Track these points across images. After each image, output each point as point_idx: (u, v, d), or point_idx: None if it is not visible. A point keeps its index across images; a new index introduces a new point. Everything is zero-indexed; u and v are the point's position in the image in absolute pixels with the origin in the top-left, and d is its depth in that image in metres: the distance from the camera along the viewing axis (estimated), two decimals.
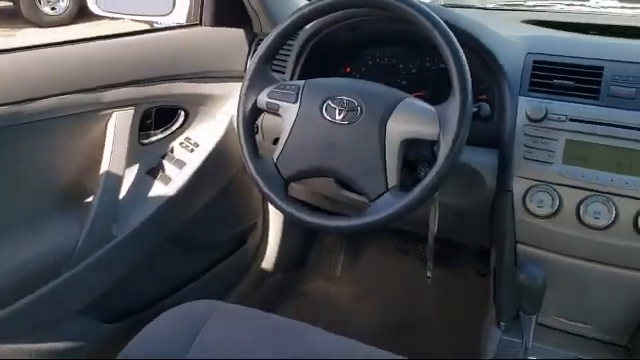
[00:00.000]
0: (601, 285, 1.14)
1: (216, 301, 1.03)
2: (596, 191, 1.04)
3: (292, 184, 1.06)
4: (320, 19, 1.11)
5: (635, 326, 1.16)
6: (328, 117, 1.00)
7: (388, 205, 0.95)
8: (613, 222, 1.03)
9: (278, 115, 1.05)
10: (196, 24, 1.44)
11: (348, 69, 1.36)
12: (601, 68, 1.08)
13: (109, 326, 1.38)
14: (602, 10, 1.44)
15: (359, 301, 1.92)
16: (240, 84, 1.08)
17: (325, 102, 1.01)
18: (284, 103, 1.04)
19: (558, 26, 1.29)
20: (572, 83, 1.08)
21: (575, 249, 1.11)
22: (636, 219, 1.02)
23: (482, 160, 1.15)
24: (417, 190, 0.93)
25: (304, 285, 1.99)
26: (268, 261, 1.89)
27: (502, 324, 1.25)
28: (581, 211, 1.05)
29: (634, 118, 1.03)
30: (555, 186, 1.07)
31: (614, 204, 1.03)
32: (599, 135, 1.04)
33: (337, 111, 0.99)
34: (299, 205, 1.03)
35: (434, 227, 1.15)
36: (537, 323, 1.04)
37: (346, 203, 1.34)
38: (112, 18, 1.60)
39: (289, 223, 1.85)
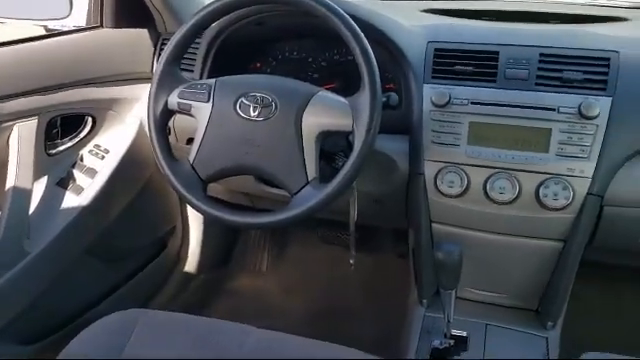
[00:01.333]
0: (511, 256, 1.22)
1: (140, 310, 1.01)
2: (500, 168, 1.11)
3: (211, 184, 1.05)
4: (225, 16, 1.11)
5: (543, 291, 1.25)
6: (243, 114, 1.00)
7: (310, 197, 0.97)
8: (517, 196, 1.11)
9: (191, 115, 1.04)
10: (97, 26, 1.39)
11: (258, 65, 1.36)
12: (496, 53, 1.14)
13: (29, 348, 1.31)
14: None
15: (287, 294, 1.93)
16: (148, 86, 1.06)
17: (239, 99, 1.01)
18: (196, 103, 1.03)
19: (455, 13, 1.36)
20: (471, 68, 1.14)
21: (485, 224, 1.18)
22: (537, 192, 1.09)
23: (395, 147, 1.20)
24: (336, 180, 0.96)
25: (230, 284, 1.98)
26: (191, 263, 1.86)
27: (424, 301, 1.31)
28: (488, 188, 1.12)
29: (529, 98, 1.10)
30: (463, 166, 1.13)
31: (517, 179, 1.10)
32: (499, 116, 1.11)
33: (251, 108, 1.00)
34: (220, 205, 1.03)
35: (354, 214, 1.19)
36: (456, 297, 1.09)
37: (268, 199, 1.35)
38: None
39: (209, 223, 1.83)
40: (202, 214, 1.05)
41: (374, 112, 0.95)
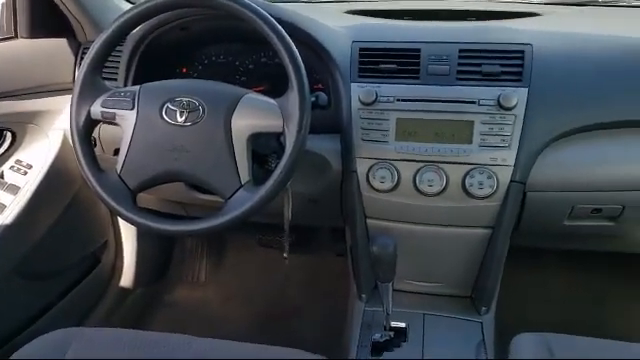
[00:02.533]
0: (443, 245, 1.26)
1: (75, 328, 0.97)
2: (427, 161, 1.15)
3: (140, 194, 1.03)
4: (147, 22, 1.09)
5: (475, 277, 1.30)
6: (169, 120, 0.99)
7: (244, 201, 0.96)
8: (445, 187, 1.15)
9: (115, 124, 1.02)
10: (11, 37, 1.33)
11: (184, 70, 1.34)
12: (418, 50, 1.18)
13: None
14: None
15: (228, 301, 1.92)
16: (70, 97, 1.02)
17: (164, 105, 0.99)
18: (120, 111, 1.01)
19: (377, 14, 1.39)
20: (395, 66, 1.17)
21: (417, 216, 1.21)
22: (464, 182, 1.14)
23: (326, 146, 1.22)
24: (270, 182, 0.96)
25: (169, 296, 1.94)
26: (126, 277, 1.81)
27: (363, 296, 1.33)
28: (417, 181, 1.15)
29: (451, 92, 1.14)
30: (393, 162, 1.16)
31: (444, 171, 1.14)
32: (424, 111, 1.15)
33: (178, 113, 0.98)
34: (151, 214, 1.01)
35: (289, 215, 1.19)
36: (394, 289, 1.12)
37: (201, 205, 1.33)
38: None
39: (143, 235, 1.78)
40: (133, 225, 1.02)
41: (304, 112, 0.96)
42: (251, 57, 1.31)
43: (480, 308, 1.28)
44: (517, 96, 1.11)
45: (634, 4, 1.43)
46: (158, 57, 1.27)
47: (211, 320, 1.84)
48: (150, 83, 1.04)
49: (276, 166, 0.98)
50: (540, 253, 1.77)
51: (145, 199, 1.33)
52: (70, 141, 1.03)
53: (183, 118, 0.98)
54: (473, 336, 1.23)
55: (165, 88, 1.03)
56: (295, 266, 1.86)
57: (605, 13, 1.42)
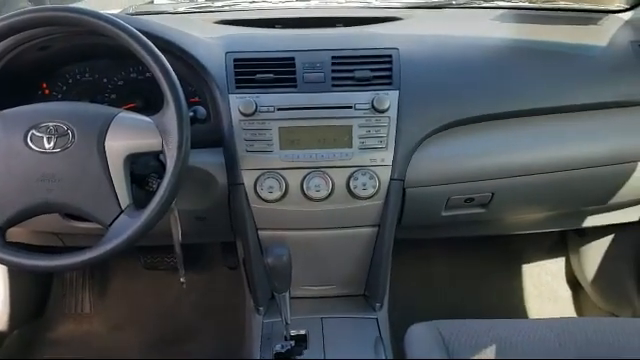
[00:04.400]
0: (334, 248, 1.29)
1: None
2: (313, 168, 1.17)
3: (11, 229, 0.94)
4: (1, 43, 1.00)
5: (366, 275, 1.34)
6: (36, 148, 0.92)
7: (127, 227, 0.92)
8: (331, 191, 1.17)
9: None
10: None
11: (47, 91, 1.25)
12: (292, 59, 1.19)
13: None
14: (282, 5, 1.59)
15: (118, 331, 1.82)
16: None
17: (29, 132, 0.92)
18: None
19: (249, 23, 1.39)
20: (272, 76, 1.17)
21: (308, 222, 1.23)
22: (348, 184, 1.17)
23: (210, 160, 1.19)
24: (153, 204, 0.92)
25: (52, 333, 1.80)
26: (1, 320, 1.65)
27: (261, 309, 1.32)
28: (305, 188, 1.16)
29: (328, 98, 1.17)
30: (279, 171, 1.16)
31: (329, 176, 1.17)
32: (305, 118, 1.16)
33: (45, 139, 0.92)
34: (23, 251, 0.93)
35: (178, 235, 1.15)
36: (291, 298, 1.12)
37: (81, 234, 1.25)
38: None
39: (15, 272, 1.63)
40: (3, 264, 0.93)
41: (183, 128, 0.93)
42: (120, 73, 1.25)
43: (374, 304, 1.33)
44: (389, 99, 1.16)
45: (484, 5, 1.55)
46: (15, 80, 1.16)
47: (101, 353, 1.73)
48: (10, 110, 0.96)
49: (158, 186, 0.94)
50: (423, 244, 1.86)
51: (14, 232, 1.22)
52: None
53: (51, 144, 0.91)
54: (370, 333, 1.27)
55: (27, 113, 0.95)
56: (187, 286, 1.80)
57: (460, 15, 1.53)
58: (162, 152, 0.94)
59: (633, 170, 1.31)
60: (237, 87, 1.17)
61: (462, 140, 1.23)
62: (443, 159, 1.23)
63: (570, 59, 1.30)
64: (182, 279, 1.22)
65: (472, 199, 1.30)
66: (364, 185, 1.16)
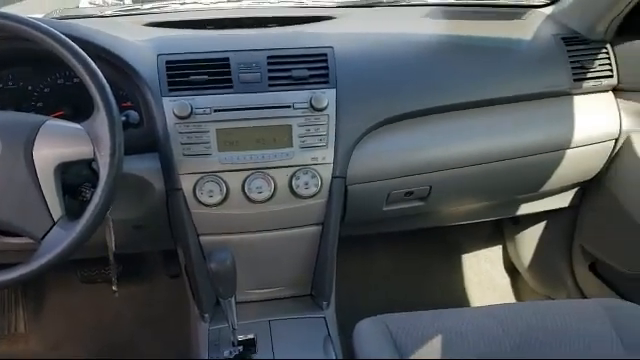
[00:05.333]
0: (279, 249, 1.28)
1: None
2: (253, 169, 1.15)
3: None
4: None
5: (312, 275, 1.34)
6: None
7: (60, 239, 0.88)
8: (274, 192, 1.16)
9: None
10: None
11: None
12: (227, 59, 1.17)
13: None
14: (213, 5, 1.56)
15: (56, 349, 1.74)
16: None
17: None
18: None
19: (180, 25, 1.35)
20: (207, 77, 1.15)
21: (251, 224, 1.21)
22: (290, 184, 1.16)
23: (145, 166, 1.15)
24: (87, 215, 0.88)
25: None
26: None
27: (206, 316, 1.29)
28: (246, 190, 1.15)
29: (265, 98, 1.16)
30: (219, 173, 1.14)
31: (271, 176, 1.15)
32: (242, 119, 1.15)
33: None
34: None
35: (112, 246, 1.11)
36: (237, 302, 1.10)
37: (11, 250, 1.18)
38: None
39: None
40: None
41: (115, 134, 0.90)
42: (45, 80, 1.19)
43: (321, 304, 1.32)
44: (327, 97, 1.16)
45: (413, 3, 1.58)
46: None
47: None
48: None
49: (92, 196, 0.90)
50: (367, 240, 1.88)
51: None
52: None
53: None
54: (319, 332, 1.27)
55: None
56: (127, 297, 1.73)
57: (392, 13, 1.55)
58: (94, 160, 0.91)
59: (562, 158, 1.37)
60: (170, 90, 1.14)
61: (399, 135, 1.25)
62: (382, 155, 1.24)
63: (498, 53, 1.34)
64: (114, 288, 1.18)
65: (411, 192, 1.32)
66: (306, 184, 1.16)
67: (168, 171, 1.14)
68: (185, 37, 1.28)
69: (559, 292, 1.77)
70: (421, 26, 1.45)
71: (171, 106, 1.12)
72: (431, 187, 1.32)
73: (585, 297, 1.67)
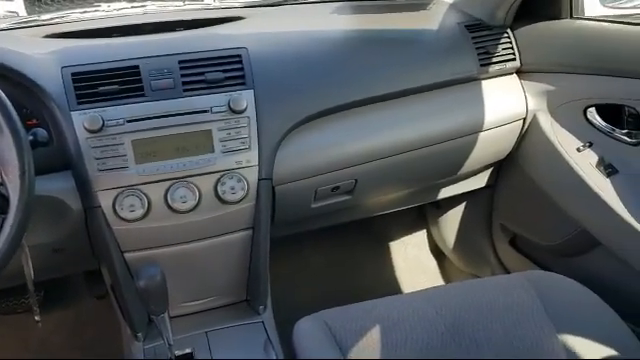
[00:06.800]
0: (210, 258, 1.25)
1: None
2: (175, 179, 1.12)
3: None
4: None
5: (246, 280, 1.32)
6: None
7: None
8: (199, 200, 1.13)
9: None
10: None
11: None
12: (137, 67, 1.13)
13: None
14: (116, 12, 1.50)
15: None
16: None
17: None
18: None
19: (82, 35, 1.29)
20: (117, 87, 1.10)
21: (178, 236, 1.18)
22: (216, 191, 1.14)
23: (59, 186, 1.09)
24: (0, 244, 0.82)
25: None
26: None
27: (139, 335, 1.24)
28: (169, 201, 1.11)
29: (181, 105, 1.12)
30: (139, 187, 1.10)
31: (194, 185, 1.12)
32: (159, 128, 1.11)
33: None
34: None
35: (31, 273, 1.04)
36: (170, 317, 1.06)
37: None
38: None
39: None
40: None
41: (23, 154, 0.84)
42: None
43: (258, 308, 1.31)
44: (245, 99, 1.14)
45: (319, 0, 1.59)
46: None
47: None
48: None
49: (3, 223, 0.84)
50: (297, 238, 1.88)
51: None
52: None
53: None
54: (258, 337, 1.25)
55: None
56: (53, 324, 1.64)
57: (301, 10, 1.56)
58: (2, 184, 0.85)
59: (476, 141, 1.43)
60: (79, 103, 1.08)
61: (321, 132, 1.26)
62: (306, 153, 1.25)
63: (406, 44, 1.38)
64: (37, 317, 1.11)
65: (338, 187, 1.33)
66: (232, 189, 1.14)
67: (84, 189, 1.09)
68: (90, 47, 1.22)
69: (484, 269, 1.85)
70: (331, 22, 1.46)
71: (81, 120, 1.07)
72: (356, 180, 1.34)
73: (508, 272, 1.75)
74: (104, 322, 1.56)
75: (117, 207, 1.09)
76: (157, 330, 1.06)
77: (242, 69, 1.17)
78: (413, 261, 2.07)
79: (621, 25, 1.25)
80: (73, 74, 1.10)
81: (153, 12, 1.48)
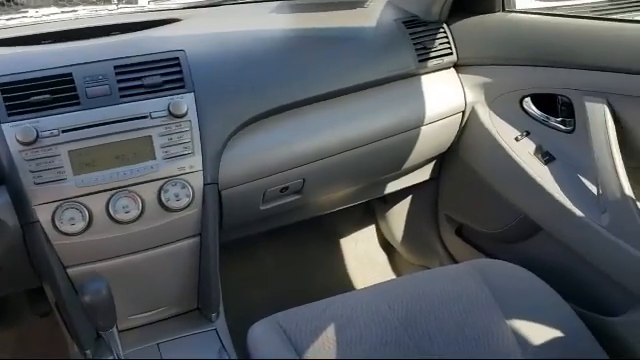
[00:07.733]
0: (157, 268, 1.21)
1: None
2: (116, 188, 1.08)
3: None
4: None
5: (197, 288, 1.29)
6: None
7: None
8: (143, 210, 1.10)
9: None
10: None
11: None
12: (70, 74, 1.08)
13: None
14: (45, 18, 1.44)
15: None
16: None
17: None
18: None
19: (9, 43, 1.23)
20: (50, 96, 1.06)
21: (122, 248, 1.14)
22: (160, 199, 1.11)
23: None
24: None
25: None
26: None
27: (88, 352, 1.19)
28: (111, 212, 1.08)
29: (118, 111, 1.09)
30: (78, 199, 1.06)
31: (137, 194, 1.09)
32: (96, 137, 1.07)
33: None
34: None
35: None
36: (119, 331, 1.03)
37: None
38: None
39: None
40: None
41: None
42: None
43: (210, 315, 1.29)
44: (186, 102, 1.12)
45: (248, 0, 1.58)
46: None
47: None
48: None
49: None
50: (246, 241, 1.86)
51: None
52: None
53: None
54: (212, 345, 1.23)
55: None
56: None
57: (239, 10, 1.54)
58: None
59: (418, 135, 1.46)
60: (10, 114, 1.03)
61: (266, 133, 1.24)
62: (252, 154, 1.23)
63: (346, 42, 1.38)
64: None
65: (286, 188, 1.33)
66: (177, 196, 1.11)
67: (20, 204, 1.04)
68: (19, 55, 1.16)
69: (432, 260, 1.89)
70: (269, 22, 1.45)
71: (13, 132, 1.02)
72: (304, 179, 1.34)
73: (456, 261, 1.79)
74: (49, 341, 1.50)
75: (56, 221, 1.05)
76: (106, 346, 1.03)
77: (181, 72, 1.15)
78: (364, 256, 2.09)
79: (552, 17, 1.30)
80: (1, 84, 1.04)
81: (85, 17, 1.43)
